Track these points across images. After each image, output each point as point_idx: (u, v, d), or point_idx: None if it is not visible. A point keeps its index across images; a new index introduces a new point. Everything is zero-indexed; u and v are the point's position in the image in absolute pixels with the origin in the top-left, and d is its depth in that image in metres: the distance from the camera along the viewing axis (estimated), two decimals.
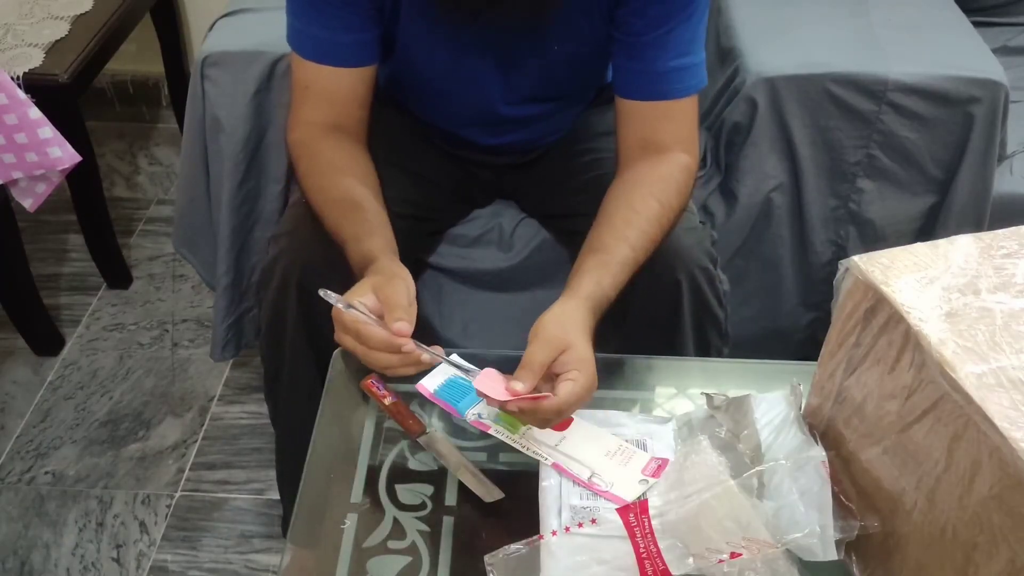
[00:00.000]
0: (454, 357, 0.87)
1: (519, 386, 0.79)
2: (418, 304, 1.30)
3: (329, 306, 0.91)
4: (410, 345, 0.81)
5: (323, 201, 1.00)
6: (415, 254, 1.25)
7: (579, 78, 1.16)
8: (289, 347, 1.06)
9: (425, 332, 1.30)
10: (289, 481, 1.26)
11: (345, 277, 1.00)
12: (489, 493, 0.81)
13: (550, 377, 0.82)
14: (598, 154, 1.19)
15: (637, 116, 1.03)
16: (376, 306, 0.84)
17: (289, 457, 1.21)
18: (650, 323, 1.03)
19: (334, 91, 1.04)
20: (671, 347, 1.06)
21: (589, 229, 0.97)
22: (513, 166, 1.25)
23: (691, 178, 1.03)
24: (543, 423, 0.82)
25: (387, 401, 0.87)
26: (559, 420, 0.82)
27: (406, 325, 0.82)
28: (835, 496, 0.73)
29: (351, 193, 0.99)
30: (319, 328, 1.03)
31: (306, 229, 1.04)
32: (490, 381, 0.81)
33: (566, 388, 0.80)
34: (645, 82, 1.02)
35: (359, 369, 0.92)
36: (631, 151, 1.04)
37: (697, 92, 1.04)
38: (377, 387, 0.88)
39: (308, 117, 1.05)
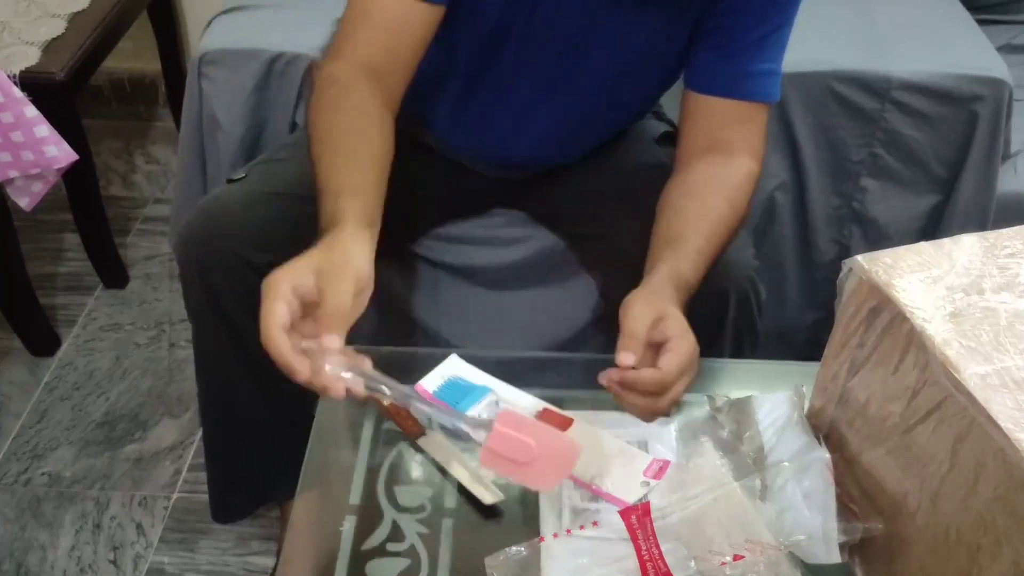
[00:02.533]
0: (382, 385, 0.72)
1: (628, 358, 0.75)
2: (413, 301, 1.30)
3: (231, 287, 0.95)
4: (304, 372, 0.68)
5: (328, 129, 0.86)
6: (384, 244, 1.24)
7: (645, 83, 1.10)
8: (196, 323, 1.08)
9: (420, 329, 1.30)
10: (213, 460, 1.24)
11: (248, 259, 0.99)
12: (489, 494, 0.80)
13: (654, 349, 0.79)
14: (628, 162, 1.16)
15: (711, 113, 1.00)
16: (311, 292, 0.69)
17: (211, 437, 1.21)
18: (694, 332, 1.02)
19: (398, 24, 0.92)
20: (708, 355, 1.05)
21: (610, 232, 0.95)
22: (523, 182, 1.23)
23: (755, 188, 1.01)
24: (649, 407, 0.78)
25: (385, 402, 0.87)
26: (667, 402, 0.78)
27: (336, 340, 0.68)
28: (838, 498, 0.72)
29: (361, 140, 0.85)
30: (224, 308, 1.03)
31: (214, 211, 1.03)
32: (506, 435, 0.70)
33: (667, 359, 0.77)
34: (727, 79, 0.99)
35: None
36: (696, 151, 1.01)
37: (773, 101, 1.02)
38: None
39: (356, 52, 0.92)
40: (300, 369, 0.68)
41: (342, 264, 0.71)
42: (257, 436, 1.16)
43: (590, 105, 1.09)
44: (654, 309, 0.80)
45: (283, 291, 0.68)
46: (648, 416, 0.80)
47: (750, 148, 1.01)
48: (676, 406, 0.81)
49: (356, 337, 1.21)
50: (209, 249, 1.01)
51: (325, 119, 0.87)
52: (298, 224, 0.98)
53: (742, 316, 1.03)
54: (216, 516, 1.34)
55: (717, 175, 0.98)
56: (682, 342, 0.78)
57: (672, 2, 0.98)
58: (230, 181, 1.08)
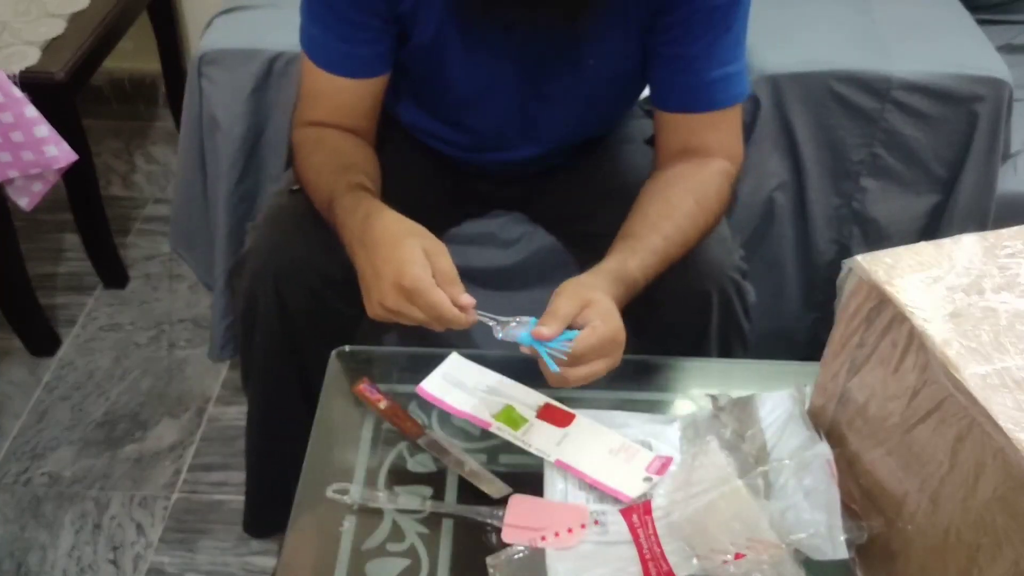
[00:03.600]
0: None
1: (545, 329, 0.80)
2: None
3: (304, 300, 0.95)
4: (474, 315, 0.82)
5: (318, 173, 0.99)
6: None
7: (614, 100, 1.14)
8: (261, 338, 1.06)
9: (420, 331, 1.29)
10: (256, 475, 1.24)
11: (321, 269, 1.00)
12: (496, 489, 0.80)
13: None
14: (621, 163, 1.17)
15: (679, 127, 1.02)
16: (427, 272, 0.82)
17: (257, 451, 1.21)
18: (677, 334, 1.02)
19: (346, 101, 1.04)
20: (694, 356, 1.05)
21: (607, 232, 0.96)
22: (520, 178, 1.23)
23: (731, 185, 1.02)
24: (558, 375, 0.81)
25: (382, 405, 0.86)
26: (577, 375, 0.81)
27: (469, 296, 0.82)
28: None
29: (351, 166, 0.98)
30: (293, 320, 1.02)
31: (285, 221, 1.03)
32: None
33: (585, 333, 0.80)
34: (689, 94, 1.00)
35: (355, 371, 0.91)
36: (671, 157, 1.02)
37: (742, 101, 1.02)
38: (370, 392, 0.87)
39: (317, 119, 1.04)
40: (456, 310, 0.81)
41: (436, 242, 0.85)
42: (302, 454, 1.16)
43: (560, 129, 1.12)
44: (581, 297, 0.83)
45: (428, 279, 0.82)
46: (555, 382, 0.82)
47: (724, 150, 1.02)
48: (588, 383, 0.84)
49: (359, 340, 1.22)
50: (285, 260, 1.01)
51: (309, 163, 1.01)
52: None
53: (726, 317, 1.03)
54: (249, 529, 1.34)
55: (687, 174, 1.00)
56: (600, 326, 0.81)
57: (617, 25, 0.98)
58: (292, 191, 1.08)
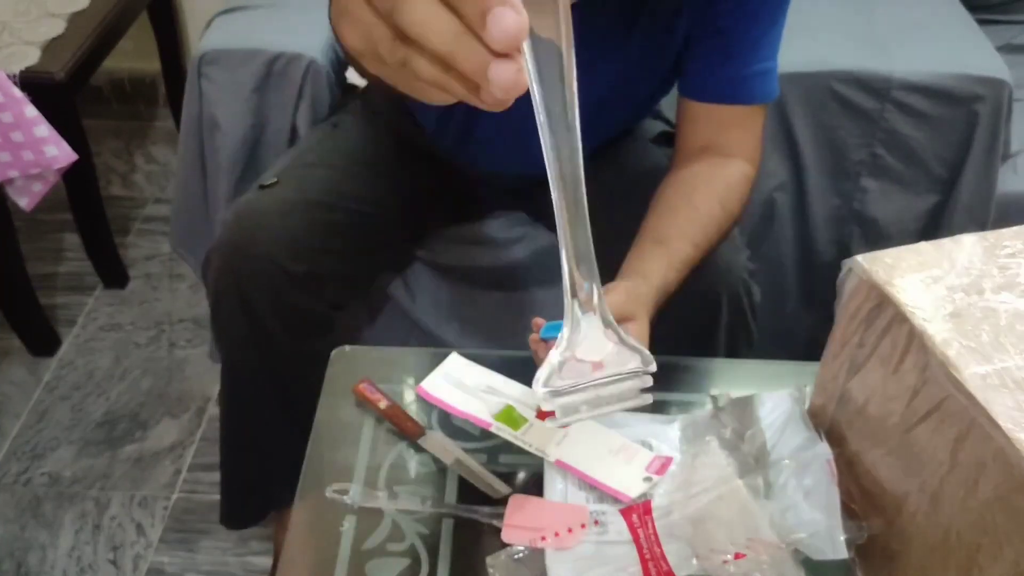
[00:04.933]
0: None
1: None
2: (413, 303, 1.30)
3: (268, 298, 0.93)
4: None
5: None
6: (398, 251, 1.24)
7: (649, 91, 1.12)
8: (227, 333, 1.07)
9: (421, 330, 1.30)
10: (229, 468, 1.24)
11: (285, 267, 0.98)
12: (497, 489, 0.80)
13: None
14: (626, 162, 1.17)
15: (706, 119, 1.01)
16: None
17: (228, 444, 1.21)
18: (685, 334, 1.01)
19: None
20: (702, 356, 1.05)
21: (608, 231, 0.96)
22: (527, 181, 1.23)
23: (751, 189, 1.01)
24: None
25: (382, 405, 0.86)
26: None
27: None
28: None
29: None
30: (258, 317, 1.02)
31: (249, 219, 1.02)
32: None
33: None
34: (724, 85, 0.99)
35: (355, 371, 0.91)
36: (692, 153, 1.01)
37: (771, 100, 1.02)
38: (370, 392, 0.87)
39: None
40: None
41: None
42: (274, 446, 1.15)
43: (583, 123, 1.10)
44: (625, 310, 0.82)
45: None
46: None
47: (746, 151, 1.01)
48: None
49: (359, 340, 1.22)
50: (247, 258, 1.00)
51: None
52: (330, 233, 0.99)
53: (735, 318, 1.03)
54: (226, 522, 1.34)
55: (712, 175, 0.99)
56: None
57: (662, 18, 0.98)
58: (262, 187, 1.07)
